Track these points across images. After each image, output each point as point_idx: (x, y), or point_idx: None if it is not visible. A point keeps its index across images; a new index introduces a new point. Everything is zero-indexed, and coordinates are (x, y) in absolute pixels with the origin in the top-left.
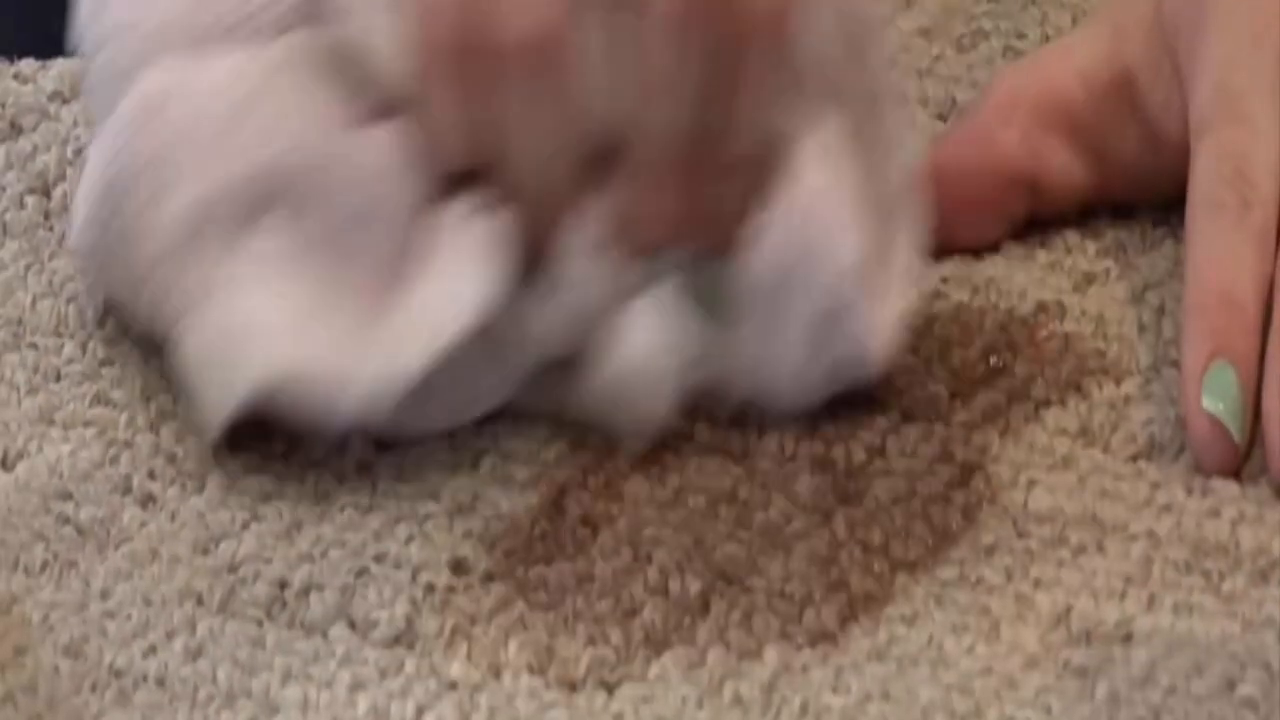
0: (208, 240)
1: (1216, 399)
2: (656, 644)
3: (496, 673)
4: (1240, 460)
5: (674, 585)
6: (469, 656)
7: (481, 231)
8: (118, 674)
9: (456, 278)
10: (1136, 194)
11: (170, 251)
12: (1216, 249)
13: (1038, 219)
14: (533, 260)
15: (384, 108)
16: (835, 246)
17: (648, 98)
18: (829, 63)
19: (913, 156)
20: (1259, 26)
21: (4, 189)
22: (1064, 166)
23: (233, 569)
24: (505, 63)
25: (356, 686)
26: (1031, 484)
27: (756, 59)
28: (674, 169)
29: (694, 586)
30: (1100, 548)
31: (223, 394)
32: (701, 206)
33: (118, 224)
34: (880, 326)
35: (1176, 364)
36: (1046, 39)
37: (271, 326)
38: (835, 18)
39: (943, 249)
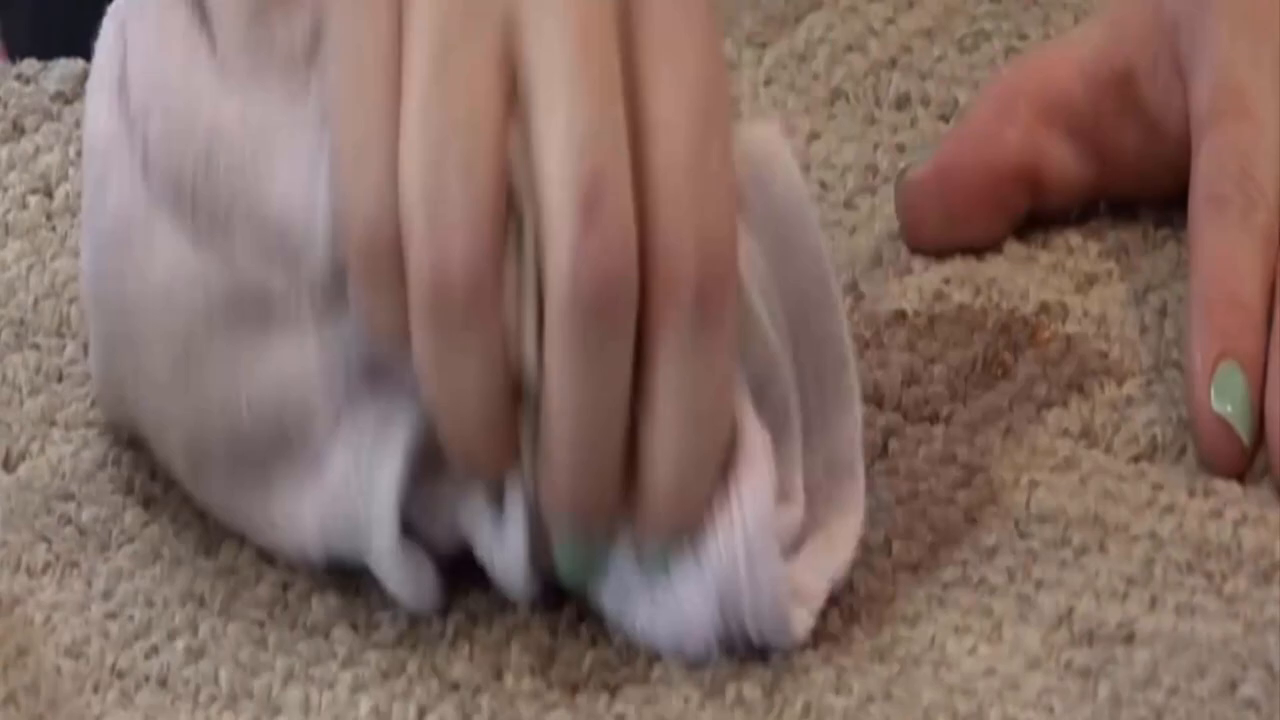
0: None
1: (1225, 400)
2: None
3: (498, 674)
4: (1248, 461)
5: None
6: (471, 658)
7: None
8: (120, 675)
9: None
10: (1137, 189)
11: None
12: (1222, 248)
13: (1039, 216)
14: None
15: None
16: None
17: (553, 372)
18: (767, 322)
19: (857, 420)
20: (1261, 18)
21: (6, 189)
22: (1064, 162)
23: (234, 570)
24: (413, 295)
25: (358, 687)
26: (1033, 485)
27: (685, 338)
28: (586, 453)
29: None
30: (1102, 548)
31: None
32: (628, 497)
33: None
34: (802, 596)
35: (1178, 365)
36: (1048, 39)
37: None
38: (784, 270)
39: (945, 248)
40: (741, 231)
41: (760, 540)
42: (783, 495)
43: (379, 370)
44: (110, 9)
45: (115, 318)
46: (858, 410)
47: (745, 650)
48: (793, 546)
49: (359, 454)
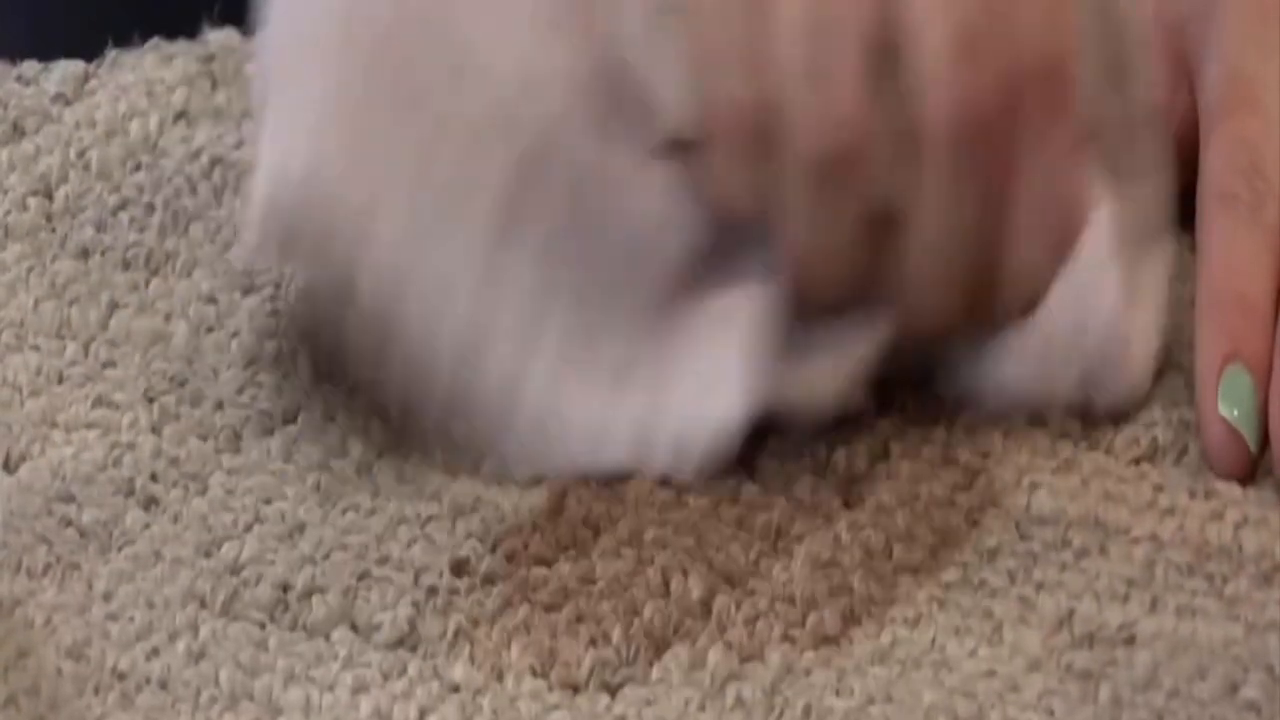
0: (458, 227)
1: (1231, 404)
2: (658, 646)
3: (499, 675)
4: (1253, 465)
5: (676, 587)
6: (471, 659)
7: (753, 322)
8: (120, 676)
9: (723, 383)
10: None
11: (414, 229)
12: (1230, 246)
13: None
14: (805, 316)
15: (663, 145)
16: (1099, 299)
17: (927, 204)
18: (1092, 92)
19: (1166, 180)
20: (1271, 12)
21: (6, 191)
22: None
23: (235, 571)
24: (796, 163)
25: (359, 689)
26: (1034, 487)
27: (1037, 136)
28: (954, 270)
29: (696, 588)
30: (1103, 550)
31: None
32: (983, 301)
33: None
34: (1137, 356)
35: (1180, 366)
36: None
37: (525, 369)
38: (1099, 39)
39: None
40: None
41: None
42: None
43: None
44: None
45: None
46: (1162, 172)
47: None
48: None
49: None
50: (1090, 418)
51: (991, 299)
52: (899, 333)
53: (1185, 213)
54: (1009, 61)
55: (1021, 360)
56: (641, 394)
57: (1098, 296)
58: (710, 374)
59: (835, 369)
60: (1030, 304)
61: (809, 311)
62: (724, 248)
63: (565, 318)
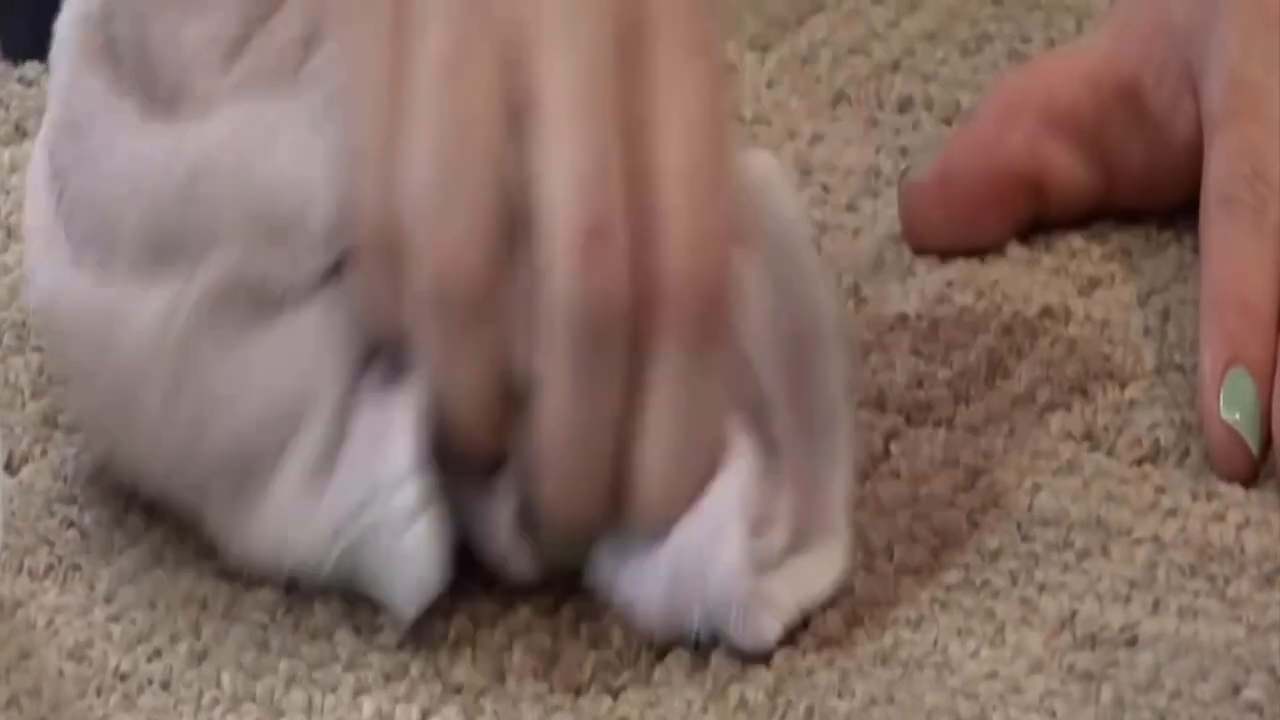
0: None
1: (1234, 408)
2: (660, 648)
3: (501, 677)
4: (1256, 468)
5: None
6: (474, 661)
7: (401, 414)
8: (123, 678)
9: (404, 557)
10: (1143, 200)
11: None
12: (1233, 251)
13: (1043, 223)
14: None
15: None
16: (720, 552)
17: (551, 387)
18: (773, 365)
19: (846, 480)
20: (1273, 22)
21: (9, 192)
22: (1068, 170)
23: (237, 573)
24: (417, 297)
25: (361, 691)
26: (1036, 488)
27: (680, 360)
28: (577, 461)
29: None
30: (1105, 552)
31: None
32: (616, 504)
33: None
34: (763, 620)
35: (1181, 368)
36: (1051, 43)
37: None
38: (784, 315)
39: (948, 251)
40: (746, 264)
41: (721, 540)
42: (765, 519)
43: (380, 356)
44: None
45: (87, 379)
46: (846, 470)
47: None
48: (772, 566)
49: (371, 435)
50: (1091, 419)
51: (623, 504)
52: (543, 518)
53: (1188, 220)
54: (643, 274)
55: (653, 581)
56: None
57: (718, 549)
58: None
59: (492, 528)
60: (663, 522)
61: (459, 459)
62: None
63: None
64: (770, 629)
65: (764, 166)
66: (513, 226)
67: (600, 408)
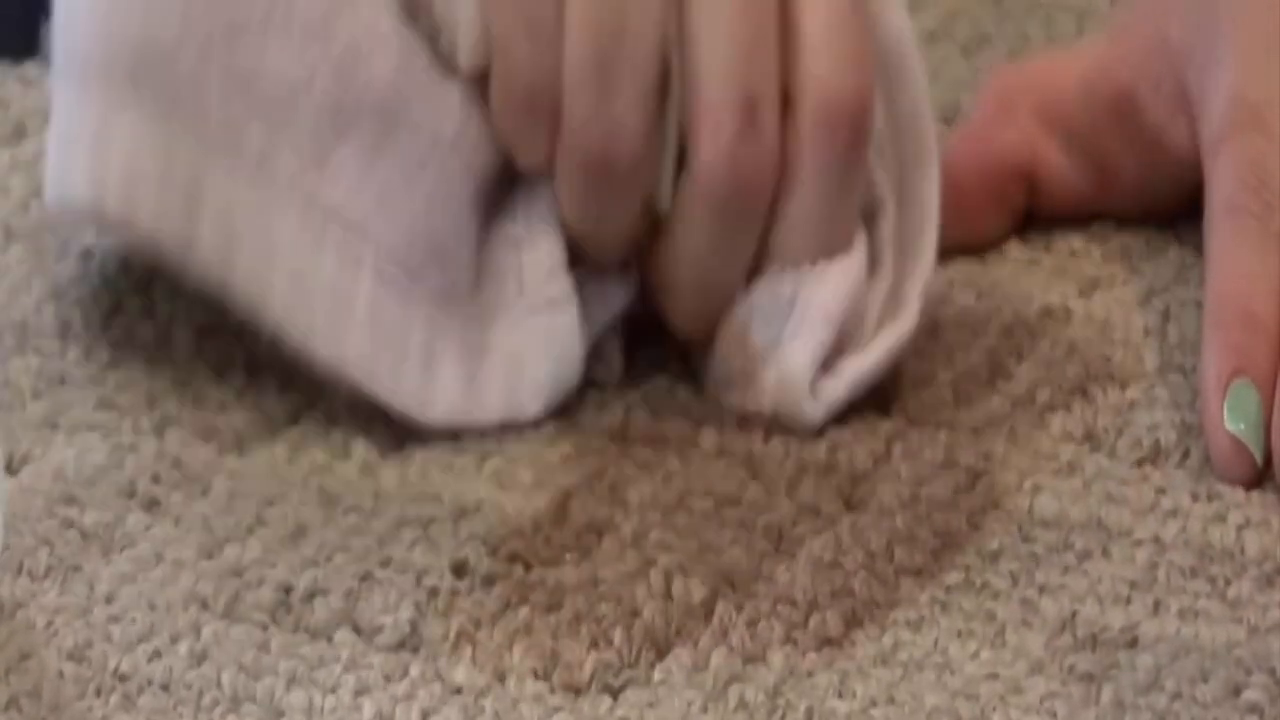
0: (277, 167)
1: (1238, 419)
2: (661, 648)
3: (501, 677)
4: (1260, 479)
5: (678, 589)
6: (474, 661)
7: (558, 283)
8: (122, 678)
9: (542, 350)
10: (1137, 207)
11: (235, 196)
12: (1238, 259)
13: (1040, 219)
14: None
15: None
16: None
17: (686, 227)
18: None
19: (929, 264)
20: (1273, 43)
21: (8, 192)
22: (1061, 169)
23: (237, 573)
24: (568, 155)
25: (361, 691)
26: (1037, 489)
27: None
28: (707, 291)
29: (699, 591)
30: (1105, 553)
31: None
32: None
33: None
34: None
35: (1182, 369)
36: (1051, 43)
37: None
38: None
39: (948, 247)
40: None
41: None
42: (856, 316)
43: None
44: None
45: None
46: (930, 263)
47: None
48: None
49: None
50: (1092, 420)
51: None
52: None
53: (1189, 221)
54: (795, 85)
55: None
56: (462, 336)
57: (796, 344)
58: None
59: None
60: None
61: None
62: (520, 179)
63: (383, 251)
64: (813, 411)
65: None
66: (664, 87)
67: (734, 258)
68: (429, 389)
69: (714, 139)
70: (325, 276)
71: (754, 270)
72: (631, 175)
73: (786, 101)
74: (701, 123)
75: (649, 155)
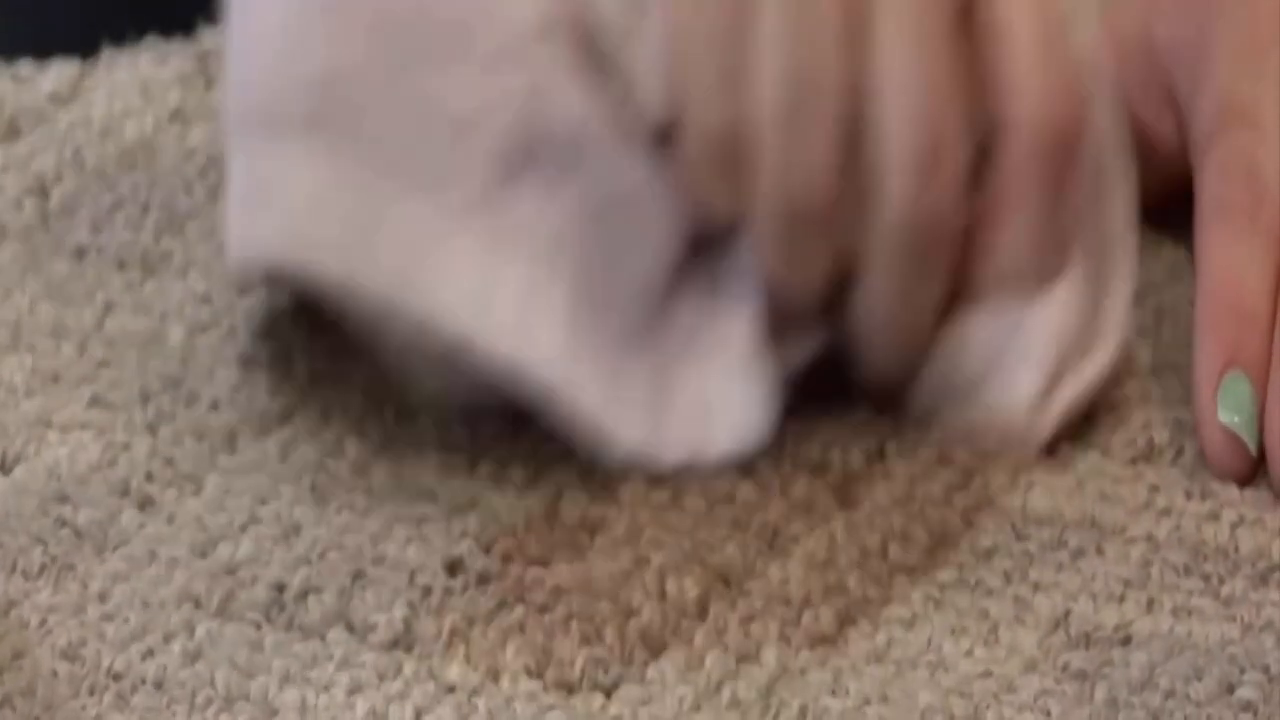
0: (452, 197)
1: (1232, 412)
2: (654, 646)
3: (494, 675)
4: (1254, 471)
5: (672, 588)
6: (467, 659)
7: (750, 334)
8: (116, 677)
9: (732, 397)
10: None
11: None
12: (1229, 252)
13: None
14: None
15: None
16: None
17: (878, 273)
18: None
19: (1128, 274)
20: (1261, 43)
21: (1, 191)
22: None
23: (231, 572)
24: (764, 203)
25: (355, 689)
26: (1030, 487)
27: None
28: (899, 332)
29: (692, 589)
30: (1099, 551)
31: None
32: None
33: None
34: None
35: (1176, 367)
36: None
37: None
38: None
39: None
40: None
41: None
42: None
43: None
44: None
45: None
46: (1127, 289)
47: None
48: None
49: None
50: (1086, 418)
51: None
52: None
53: (1182, 220)
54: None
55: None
56: (648, 377)
57: (1017, 374)
58: (718, 384)
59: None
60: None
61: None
62: (708, 235)
63: (569, 282)
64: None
65: None
66: (857, 131)
67: (925, 302)
68: (613, 423)
69: (901, 184)
70: (508, 298)
71: (953, 303)
72: (827, 221)
73: (993, 132)
74: (889, 168)
75: (844, 201)
